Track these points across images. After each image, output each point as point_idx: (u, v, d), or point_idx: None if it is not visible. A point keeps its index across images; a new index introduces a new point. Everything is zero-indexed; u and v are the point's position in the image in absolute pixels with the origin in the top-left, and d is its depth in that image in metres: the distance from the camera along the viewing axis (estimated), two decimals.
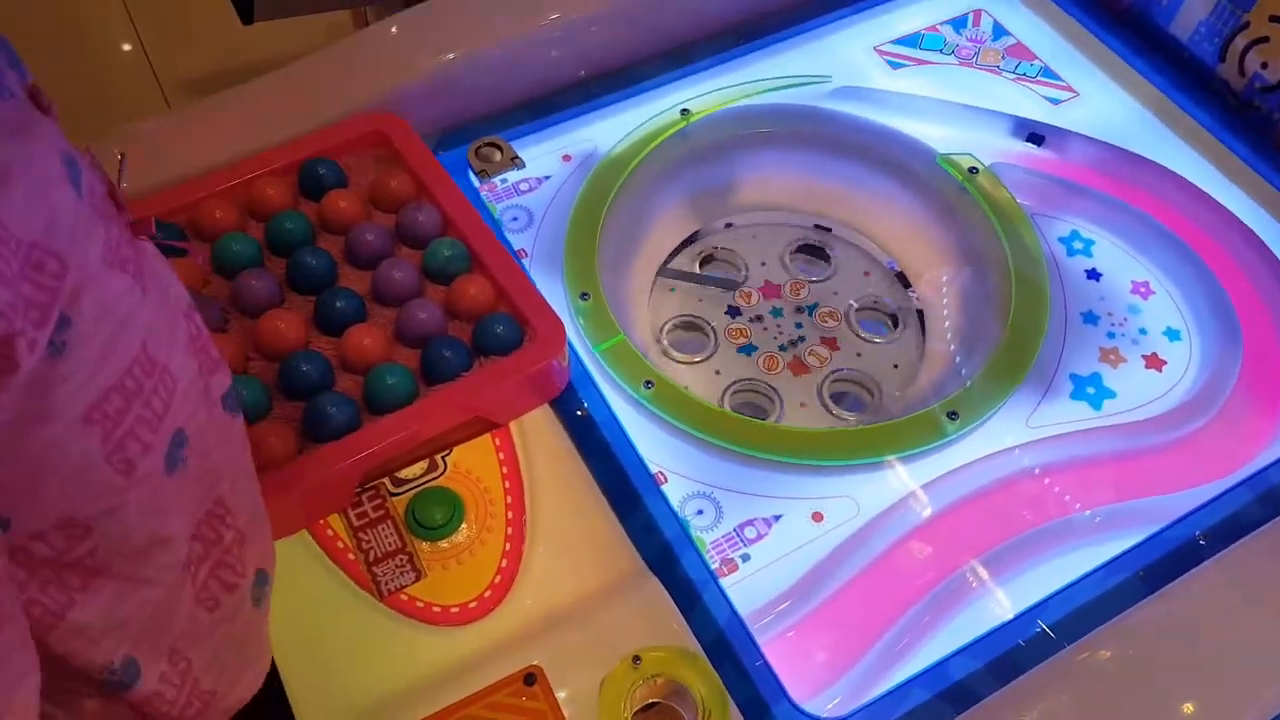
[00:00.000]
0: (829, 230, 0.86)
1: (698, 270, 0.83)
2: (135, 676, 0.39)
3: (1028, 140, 0.85)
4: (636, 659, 0.54)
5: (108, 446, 0.35)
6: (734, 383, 0.76)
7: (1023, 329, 0.73)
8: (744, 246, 0.85)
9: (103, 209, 0.36)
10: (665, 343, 0.78)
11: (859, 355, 0.78)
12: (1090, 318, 0.75)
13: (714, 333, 0.79)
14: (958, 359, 0.76)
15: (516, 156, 0.80)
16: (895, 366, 0.78)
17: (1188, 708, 0.54)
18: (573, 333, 0.71)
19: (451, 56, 0.79)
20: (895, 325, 0.80)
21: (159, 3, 1.88)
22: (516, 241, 0.77)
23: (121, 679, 0.38)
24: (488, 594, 0.59)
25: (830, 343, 0.79)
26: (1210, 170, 0.82)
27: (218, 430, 0.43)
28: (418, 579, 0.59)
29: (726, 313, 0.80)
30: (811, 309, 0.80)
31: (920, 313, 0.81)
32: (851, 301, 0.81)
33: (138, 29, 1.83)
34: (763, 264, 0.84)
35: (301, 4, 1.31)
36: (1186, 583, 0.58)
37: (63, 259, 0.32)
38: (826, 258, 0.84)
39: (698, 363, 0.77)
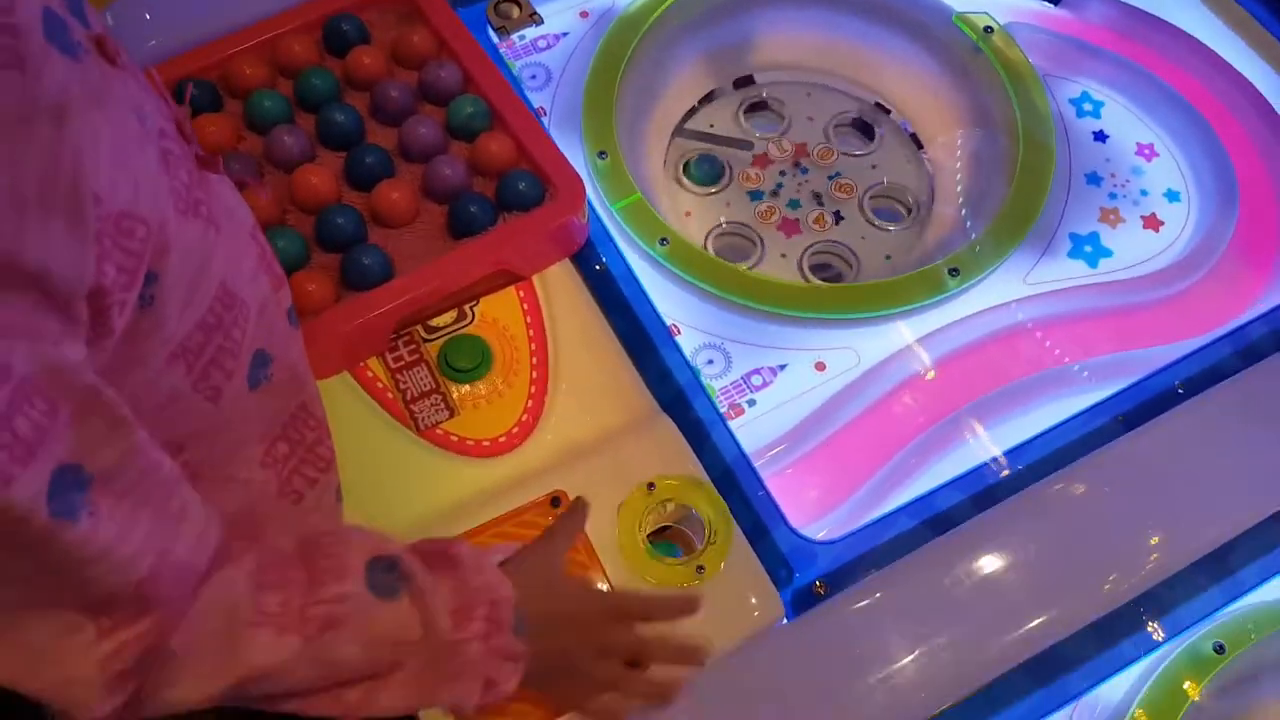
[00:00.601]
0: (888, 112, 0.86)
1: (741, 116, 0.85)
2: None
3: None
4: (651, 485, 0.60)
5: (193, 377, 0.39)
6: (806, 249, 0.79)
7: (1027, 190, 0.76)
8: (796, 102, 0.86)
9: (172, 148, 0.37)
10: (681, 171, 0.81)
11: (863, 238, 0.80)
12: (1094, 179, 0.77)
13: (729, 169, 0.81)
14: (967, 220, 0.78)
15: (535, 13, 0.80)
16: (887, 258, 0.79)
17: (1153, 539, 0.60)
18: (591, 190, 0.74)
19: None
20: (909, 214, 0.82)
21: None
22: (535, 99, 0.79)
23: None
24: (515, 430, 0.64)
25: (835, 216, 0.81)
26: (1225, 32, 0.82)
27: (292, 342, 0.47)
28: (451, 416, 0.64)
29: (751, 199, 0.81)
30: (833, 177, 0.82)
31: (879, 105, 0.84)
32: (872, 183, 0.82)
33: None
34: (810, 119, 0.85)
35: None
36: (1158, 424, 0.62)
37: (147, 221, 0.33)
38: (872, 136, 0.85)
39: (712, 194, 0.80)
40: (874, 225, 0.81)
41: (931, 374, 0.69)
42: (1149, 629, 0.59)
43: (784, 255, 0.79)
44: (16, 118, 0.29)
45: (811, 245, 0.79)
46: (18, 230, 0.28)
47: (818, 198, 0.81)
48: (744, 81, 0.88)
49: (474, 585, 0.43)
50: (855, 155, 0.84)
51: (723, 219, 0.80)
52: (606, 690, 0.49)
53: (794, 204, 0.81)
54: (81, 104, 0.30)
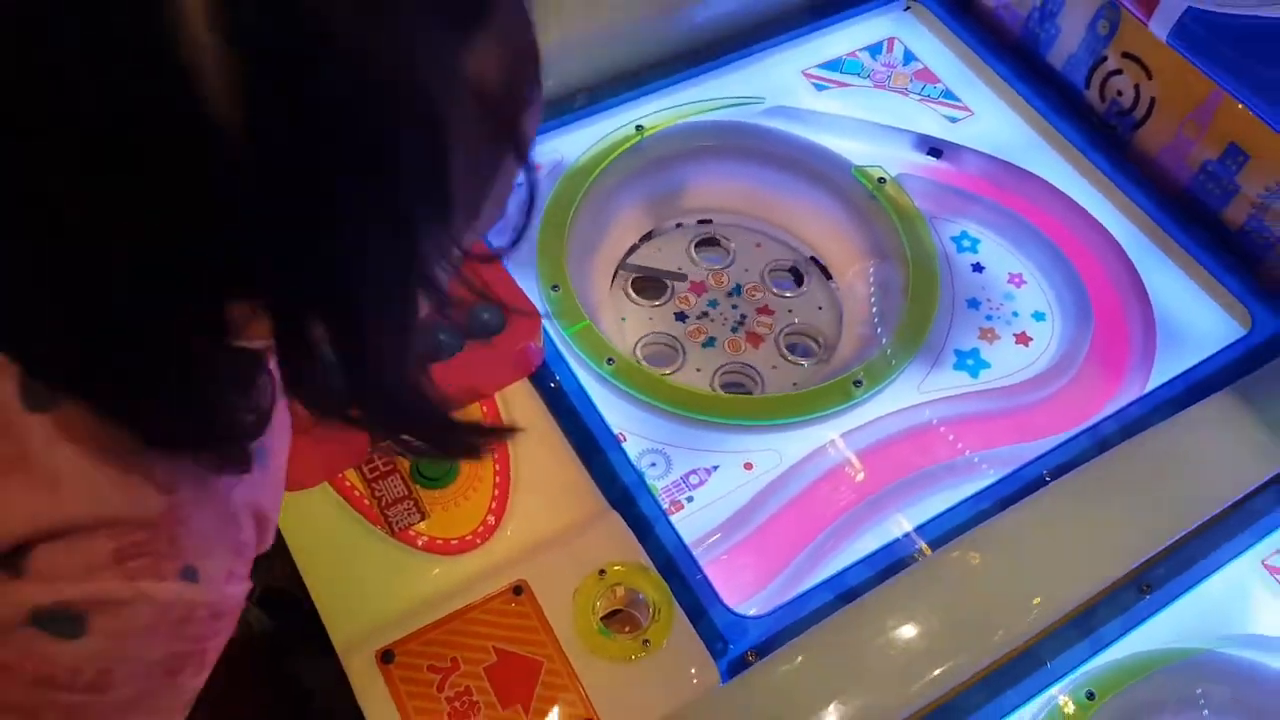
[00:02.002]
0: (821, 266, 0.99)
1: (691, 248, 0.98)
2: None
3: (929, 154, 1.01)
4: (602, 572, 0.69)
5: None
6: (718, 369, 0.90)
7: (917, 314, 0.89)
8: (743, 245, 0.99)
9: None
10: (643, 360, 0.90)
11: (790, 311, 0.93)
12: (973, 303, 0.91)
13: (680, 345, 0.92)
14: (875, 335, 0.91)
15: None
16: (820, 308, 0.93)
17: (1035, 599, 0.70)
18: (546, 318, 0.85)
19: None
20: (800, 280, 0.95)
21: None
22: (495, 242, 0.91)
23: None
24: (480, 529, 0.73)
25: (754, 339, 0.93)
26: (1078, 180, 0.99)
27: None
28: (422, 519, 0.73)
29: (678, 319, 0.94)
30: (737, 290, 0.95)
31: (814, 259, 0.97)
32: (796, 320, 0.94)
33: None
34: (745, 270, 0.98)
35: None
36: (1028, 502, 0.74)
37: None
38: (802, 282, 0.98)
39: (676, 371, 0.90)
40: (785, 358, 0.92)
41: (843, 469, 0.80)
42: (1029, 680, 0.69)
43: (699, 370, 0.90)
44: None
45: (724, 365, 0.91)
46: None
47: (741, 322, 0.94)
48: (704, 221, 1.01)
49: None
50: (784, 296, 0.97)
51: (649, 331, 0.92)
52: None
53: (734, 328, 0.93)
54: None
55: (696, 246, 0.99)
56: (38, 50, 0.28)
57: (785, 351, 0.93)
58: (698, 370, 0.90)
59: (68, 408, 0.39)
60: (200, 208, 0.30)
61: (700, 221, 1.01)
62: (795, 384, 0.91)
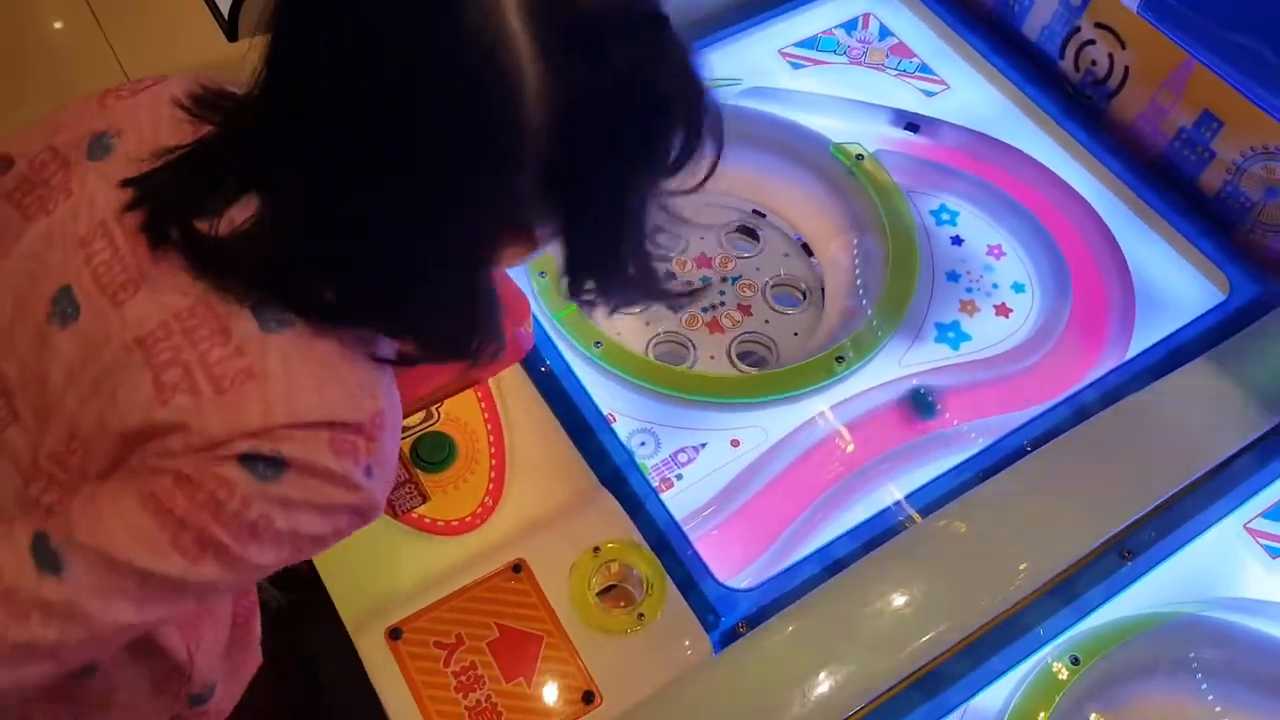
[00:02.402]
0: (764, 216, 1.02)
1: None
2: None
3: (906, 128, 1.02)
4: (597, 549, 0.72)
5: None
6: (660, 334, 0.92)
7: (897, 288, 0.91)
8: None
9: None
10: (658, 362, 0.91)
11: (767, 322, 0.94)
12: (953, 276, 0.93)
13: (687, 339, 0.93)
14: (859, 308, 0.93)
15: None
16: (795, 334, 0.94)
17: (1021, 564, 0.73)
18: (535, 305, 0.87)
19: None
20: (804, 298, 0.97)
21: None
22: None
23: None
24: (479, 510, 0.75)
25: (745, 309, 0.95)
26: (1055, 150, 1.00)
27: None
28: (424, 502, 0.75)
29: (673, 311, 0.94)
30: (735, 280, 0.97)
31: (823, 290, 0.97)
32: (768, 278, 0.97)
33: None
34: (701, 238, 1.00)
35: None
36: (1010, 471, 0.76)
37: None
38: (756, 238, 1.00)
39: (694, 364, 0.92)
40: (775, 310, 0.95)
41: (828, 443, 0.82)
42: (1015, 646, 0.71)
43: (713, 357, 0.92)
44: None
45: (735, 339, 0.93)
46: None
47: (722, 299, 0.96)
48: None
49: None
50: (746, 257, 0.99)
51: (659, 330, 0.94)
52: None
53: (706, 309, 0.95)
54: None
55: (730, 231, 1.00)
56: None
57: (775, 305, 0.95)
58: (711, 357, 0.92)
59: (300, 329, 0.47)
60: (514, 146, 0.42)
61: (755, 212, 1.02)
62: (796, 333, 0.93)
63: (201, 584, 0.46)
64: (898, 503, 0.78)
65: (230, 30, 1.37)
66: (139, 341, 0.47)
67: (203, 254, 0.47)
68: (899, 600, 0.71)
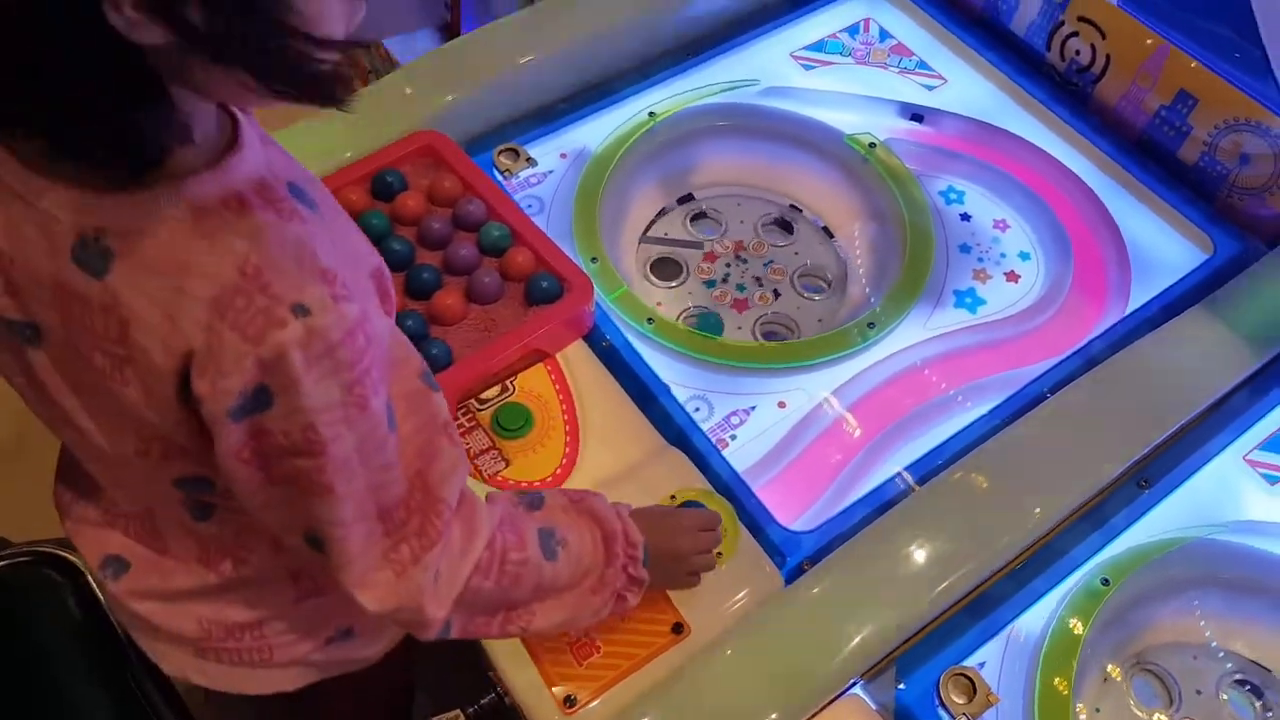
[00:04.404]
0: (800, 211, 1.10)
1: (687, 225, 1.08)
2: None
3: (911, 119, 1.11)
4: (673, 497, 0.79)
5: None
6: (756, 321, 1.00)
7: (916, 260, 0.99)
8: (728, 209, 1.10)
9: None
10: (649, 271, 1.01)
11: (798, 308, 1.02)
12: (965, 248, 1.02)
13: (686, 266, 1.03)
14: (869, 292, 1.01)
15: (530, 157, 1.02)
16: (819, 320, 1.02)
17: (1051, 496, 0.81)
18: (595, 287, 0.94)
19: (476, 83, 1.02)
20: (828, 286, 1.04)
21: None
22: (536, 223, 1.00)
23: None
24: (559, 470, 0.82)
25: (773, 293, 1.03)
26: (1047, 133, 1.09)
27: None
28: (507, 465, 0.82)
29: (708, 286, 1.03)
30: (767, 264, 1.05)
31: (794, 206, 1.06)
32: (797, 266, 1.05)
33: None
34: (741, 222, 1.08)
35: None
36: (1032, 415, 0.84)
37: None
38: (791, 230, 1.08)
39: (673, 288, 1.01)
40: (803, 297, 1.03)
41: (867, 400, 0.90)
42: (1051, 570, 0.79)
43: (739, 328, 1.00)
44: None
45: (760, 317, 1.01)
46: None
47: (758, 281, 1.04)
48: (686, 198, 1.11)
49: (610, 531, 0.64)
50: (780, 246, 1.07)
51: (690, 304, 1.02)
52: (698, 569, 0.73)
53: (741, 287, 1.03)
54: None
55: (691, 221, 1.09)
56: None
57: (802, 292, 1.03)
58: (739, 328, 1.00)
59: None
60: None
61: (680, 200, 1.10)
62: (820, 320, 1.01)
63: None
64: (937, 448, 0.86)
65: None
66: None
67: None
68: (946, 532, 0.78)
